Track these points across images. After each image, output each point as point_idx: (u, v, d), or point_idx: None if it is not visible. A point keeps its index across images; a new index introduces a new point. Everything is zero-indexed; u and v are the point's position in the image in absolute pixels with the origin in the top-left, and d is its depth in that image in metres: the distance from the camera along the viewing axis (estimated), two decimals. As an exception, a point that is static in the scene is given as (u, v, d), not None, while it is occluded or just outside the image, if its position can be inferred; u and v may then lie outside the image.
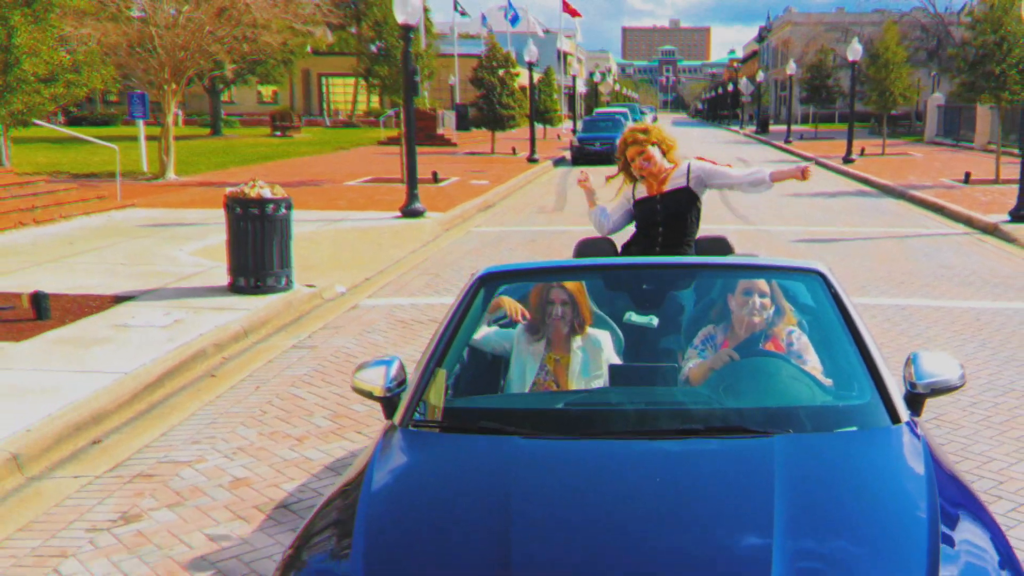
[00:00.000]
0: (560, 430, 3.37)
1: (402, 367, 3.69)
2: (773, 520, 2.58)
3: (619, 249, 5.34)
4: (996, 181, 21.80)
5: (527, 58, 33.87)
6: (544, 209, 19.13)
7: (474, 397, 4.06)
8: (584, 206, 5.80)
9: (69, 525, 4.93)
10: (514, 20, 62.29)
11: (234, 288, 9.85)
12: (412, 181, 16.43)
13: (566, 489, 2.90)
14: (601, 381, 3.86)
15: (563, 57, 77.50)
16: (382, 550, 2.63)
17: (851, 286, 9.99)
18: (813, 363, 3.81)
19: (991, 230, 15.17)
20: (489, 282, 4.03)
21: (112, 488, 5.39)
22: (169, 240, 13.57)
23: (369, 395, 3.60)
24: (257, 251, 9.69)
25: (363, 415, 6.45)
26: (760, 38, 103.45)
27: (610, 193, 5.50)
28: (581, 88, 70.07)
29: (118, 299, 9.55)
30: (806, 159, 32.62)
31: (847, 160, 29.48)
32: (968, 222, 16.26)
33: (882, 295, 10.30)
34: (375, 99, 57.72)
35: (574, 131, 41.90)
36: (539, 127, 42.75)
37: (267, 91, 62.23)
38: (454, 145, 38.66)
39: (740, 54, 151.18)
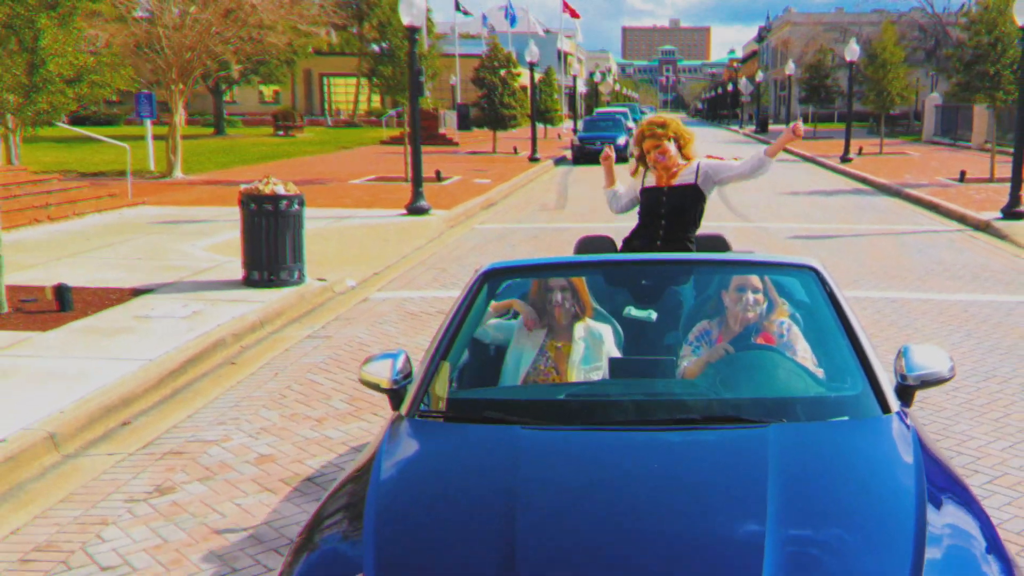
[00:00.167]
0: (561, 420, 3.48)
1: (408, 360, 3.80)
2: (766, 506, 2.68)
3: (620, 243, 5.54)
4: (991, 180, 22.13)
5: (528, 58, 34.16)
6: (546, 207, 19.42)
7: (478, 388, 4.16)
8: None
9: (107, 496, 5.27)
10: (512, 20, 62.56)
11: (248, 281, 10.20)
12: (417, 179, 16.78)
13: (568, 477, 3.00)
14: (601, 373, 3.97)
15: (563, 57, 77.84)
16: (391, 534, 2.73)
17: (845, 281, 10.35)
18: (804, 354, 3.92)
19: (983, 227, 15.51)
20: (492, 278, 4.12)
21: (145, 464, 5.74)
22: (182, 236, 13.92)
23: (376, 387, 3.71)
24: (270, 245, 10.05)
25: (379, 399, 6.75)
26: (760, 38, 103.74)
27: (627, 175, 5.79)
28: (581, 88, 70.39)
29: (136, 292, 9.90)
30: (804, 159, 32.93)
31: (845, 159, 29.70)
32: (961, 219, 16.61)
33: (874, 289, 10.64)
34: (376, 99, 57.95)
35: (575, 131, 42.24)
36: (540, 127, 43.07)
37: (269, 91, 62.32)
38: (456, 145, 38.93)
39: (740, 54, 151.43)
